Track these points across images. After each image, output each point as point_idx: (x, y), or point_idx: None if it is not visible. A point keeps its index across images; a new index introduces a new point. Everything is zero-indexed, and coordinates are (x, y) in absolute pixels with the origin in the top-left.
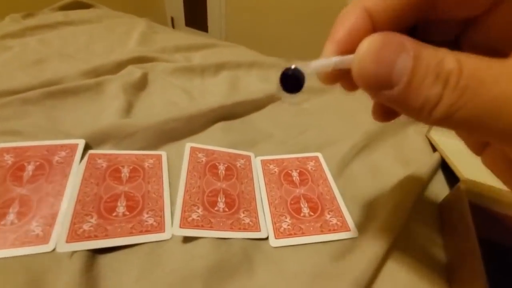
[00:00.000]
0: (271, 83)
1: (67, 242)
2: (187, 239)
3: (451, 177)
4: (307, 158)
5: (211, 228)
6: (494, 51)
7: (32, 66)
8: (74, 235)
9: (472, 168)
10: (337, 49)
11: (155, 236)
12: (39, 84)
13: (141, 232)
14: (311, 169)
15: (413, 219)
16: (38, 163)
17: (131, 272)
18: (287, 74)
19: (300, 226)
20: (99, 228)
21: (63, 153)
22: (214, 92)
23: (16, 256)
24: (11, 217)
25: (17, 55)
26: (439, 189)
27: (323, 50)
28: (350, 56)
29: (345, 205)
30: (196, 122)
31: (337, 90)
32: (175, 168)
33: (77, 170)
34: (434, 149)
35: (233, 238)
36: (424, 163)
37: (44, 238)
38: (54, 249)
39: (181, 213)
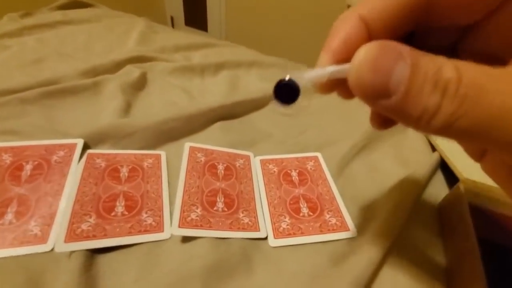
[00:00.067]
0: (271, 82)
1: (65, 242)
2: (186, 239)
3: (451, 177)
4: (306, 158)
5: (210, 228)
6: (493, 58)
7: (30, 65)
8: (72, 234)
9: (472, 168)
10: (333, 58)
11: (154, 236)
12: (37, 83)
13: (139, 232)
14: (311, 169)
15: (413, 219)
16: (36, 162)
17: (130, 272)
18: (282, 85)
19: (299, 226)
20: (97, 228)
21: (61, 153)
22: (213, 92)
23: (15, 256)
24: (9, 216)
25: (15, 54)
26: (438, 189)
27: (318, 60)
28: (346, 65)
29: (344, 205)
30: (195, 121)
31: None
32: (174, 168)
33: (75, 169)
34: (433, 149)
35: (232, 238)
36: (423, 163)
37: (42, 238)
38: (52, 249)
39: (180, 213)
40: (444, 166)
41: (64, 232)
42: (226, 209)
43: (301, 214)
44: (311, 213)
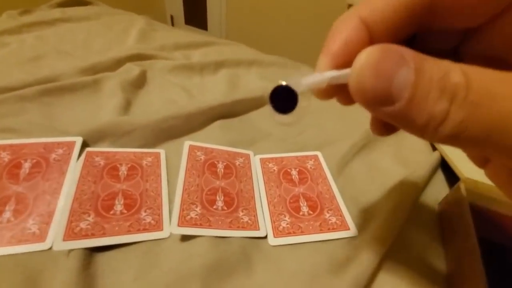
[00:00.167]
0: (271, 81)
1: (64, 240)
2: (185, 238)
3: (451, 176)
4: (306, 156)
5: (209, 226)
6: (496, 60)
7: (29, 63)
8: (71, 233)
9: (472, 168)
10: (332, 62)
11: (153, 235)
12: (36, 81)
13: (138, 231)
14: (311, 168)
15: (412, 219)
16: (34, 160)
17: (129, 271)
18: (278, 92)
19: (299, 225)
20: (96, 226)
21: (60, 151)
22: (213, 90)
23: (13, 254)
24: (7, 215)
25: (14, 51)
26: (439, 188)
27: (317, 64)
28: (347, 70)
29: (344, 204)
30: (195, 120)
31: None
32: (174, 166)
33: (74, 168)
34: (434, 148)
35: (232, 237)
36: (423, 162)
37: (40, 236)
38: (50, 247)
39: (180, 212)
40: (444, 166)
41: (63, 230)
42: (225, 208)
43: (301, 213)
44: (311, 212)
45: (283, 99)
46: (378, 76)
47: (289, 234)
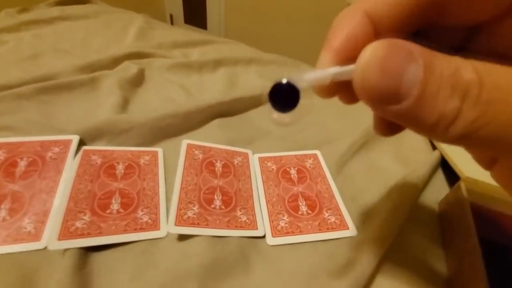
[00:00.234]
0: (270, 79)
1: (59, 239)
2: (182, 237)
3: (451, 175)
4: (305, 155)
5: (207, 226)
6: (505, 59)
7: (26, 61)
8: (66, 232)
9: (473, 167)
10: (335, 58)
11: (150, 234)
12: (33, 79)
13: (135, 230)
14: (310, 166)
15: (412, 219)
16: (31, 159)
17: (125, 271)
18: (278, 89)
19: (297, 225)
20: (92, 225)
21: (56, 149)
22: (212, 89)
23: (8, 254)
24: (2, 213)
25: (12, 49)
26: (439, 188)
27: (318, 60)
28: (351, 67)
29: (343, 204)
30: (193, 118)
31: None
32: (172, 165)
33: (70, 166)
34: (434, 147)
35: (230, 236)
36: (423, 161)
37: (36, 235)
38: (46, 247)
39: (177, 211)
40: (445, 165)
41: (58, 229)
42: (223, 207)
43: (299, 213)
44: (310, 211)
45: (284, 97)
46: (385, 73)
47: (287, 233)
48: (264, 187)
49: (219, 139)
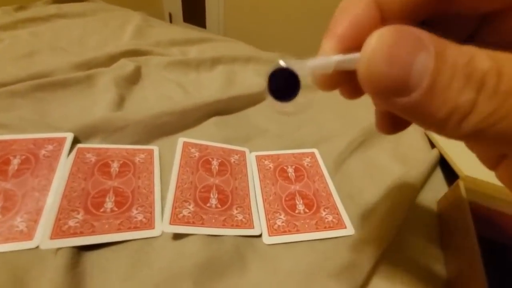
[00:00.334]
0: None
1: (51, 238)
2: (177, 236)
3: (450, 174)
4: (303, 154)
5: (202, 224)
6: None
7: (22, 58)
8: (58, 231)
9: (472, 165)
10: (339, 45)
11: (144, 233)
12: (28, 76)
13: (129, 229)
14: (307, 165)
15: (411, 217)
16: (24, 156)
17: (119, 270)
18: (277, 75)
19: (294, 223)
20: (85, 224)
21: (50, 147)
22: (209, 87)
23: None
24: None
25: (8, 47)
26: (437, 186)
27: (321, 47)
28: (356, 55)
29: (341, 202)
30: (190, 116)
31: None
32: (167, 164)
33: (64, 164)
34: (432, 145)
35: (225, 235)
36: (422, 160)
37: (28, 234)
38: (38, 246)
39: (172, 209)
40: (443, 163)
41: (50, 228)
42: (219, 206)
43: (296, 211)
44: (307, 210)
45: (283, 84)
46: (393, 62)
47: (284, 232)
48: (261, 186)
49: (216, 137)
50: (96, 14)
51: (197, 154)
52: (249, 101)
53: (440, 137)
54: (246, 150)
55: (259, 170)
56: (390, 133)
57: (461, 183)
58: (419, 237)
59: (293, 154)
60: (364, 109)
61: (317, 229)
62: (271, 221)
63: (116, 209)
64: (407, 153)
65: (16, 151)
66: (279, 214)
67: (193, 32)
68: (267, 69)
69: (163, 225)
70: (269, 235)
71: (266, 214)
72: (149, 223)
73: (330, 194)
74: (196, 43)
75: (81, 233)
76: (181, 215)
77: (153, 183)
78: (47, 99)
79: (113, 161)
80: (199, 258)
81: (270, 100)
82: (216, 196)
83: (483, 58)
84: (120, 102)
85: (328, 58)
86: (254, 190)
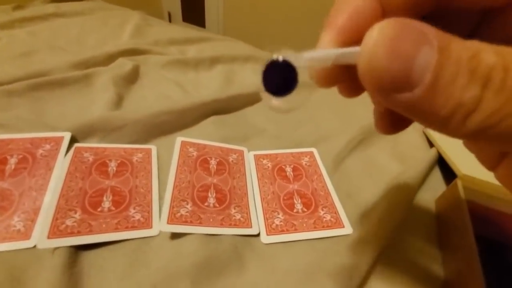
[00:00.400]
0: None
1: (48, 238)
2: (175, 236)
3: (448, 173)
4: (301, 153)
5: (200, 224)
6: None
7: (20, 58)
8: (56, 230)
9: (470, 164)
10: (338, 38)
11: (142, 232)
12: (26, 75)
13: (127, 228)
14: (306, 164)
15: (409, 217)
16: (21, 156)
17: (116, 270)
18: (273, 68)
19: (292, 223)
20: (82, 223)
21: (47, 146)
22: (208, 86)
23: None
24: None
25: (5, 46)
26: (435, 185)
27: (319, 41)
28: (356, 48)
29: (339, 202)
30: (188, 115)
31: None
32: (165, 163)
33: (62, 163)
34: (431, 144)
35: (223, 235)
36: (420, 159)
37: (25, 234)
38: (35, 245)
39: (170, 209)
40: (441, 162)
41: (47, 228)
42: (217, 205)
43: (295, 210)
44: (305, 209)
45: (279, 77)
46: (394, 56)
47: (282, 231)
48: (259, 185)
49: (214, 136)
50: (94, 13)
51: (195, 153)
52: (247, 100)
53: (439, 136)
54: (245, 149)
55: (257, 169)
56: (390, 133)
57: (459, 182)
58: (417, 236)
59: (291, 153)
60: (363, 108)
61: (315, 228)
62: (269, 220)
63: (113, 208)
64: (406, 152)
65: (13, 151)
66: (277, 213)
67: (192, 31)
68: (263, 63)
69: (160, 225)
70: (267, 234)
71: (264, 213)
72: (146, 223)
73: (329, 193)
74: (195, 43)
75: (79, 233)
76: (179, 214)
77: (150, 182)
78: (45, 98)
79: (110, 160)
80: (197, 258)
81: (264, 95)
82: (214, 195)
83: (488, 53)
84: (118, 101)
85: (327, 51)
86: (252, 189)
